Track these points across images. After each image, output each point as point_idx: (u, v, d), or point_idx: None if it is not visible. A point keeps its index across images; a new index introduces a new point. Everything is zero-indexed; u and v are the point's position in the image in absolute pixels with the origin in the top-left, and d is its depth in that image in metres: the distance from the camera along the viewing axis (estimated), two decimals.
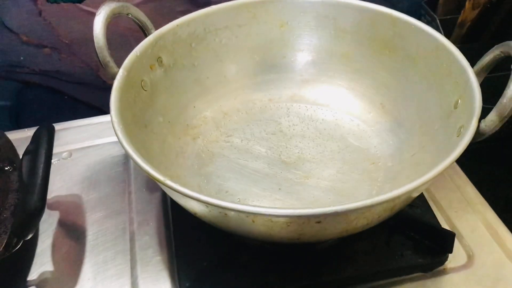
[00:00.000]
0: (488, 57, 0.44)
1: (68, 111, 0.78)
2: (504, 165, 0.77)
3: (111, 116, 0.43)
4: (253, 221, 0.37)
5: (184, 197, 0.37)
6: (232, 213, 0.37)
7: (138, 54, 0.50)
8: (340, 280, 0.46)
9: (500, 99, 0.39)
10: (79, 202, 0.55)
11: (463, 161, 0.58)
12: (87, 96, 0.78)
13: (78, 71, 0.75)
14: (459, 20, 0.77)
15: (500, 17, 0.77)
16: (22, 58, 0.72)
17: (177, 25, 0.54)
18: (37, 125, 0.51)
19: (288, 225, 0.37)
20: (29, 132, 0.62)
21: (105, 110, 0.78)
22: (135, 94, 0.49)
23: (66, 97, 0.78)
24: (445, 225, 0.50)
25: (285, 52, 0.60)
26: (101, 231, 0.52)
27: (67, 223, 0.53)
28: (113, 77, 0.47)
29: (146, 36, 0.53)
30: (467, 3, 0.75)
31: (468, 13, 0.76)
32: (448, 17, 0.79)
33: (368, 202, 0.35)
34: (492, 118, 0.40)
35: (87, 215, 0.53)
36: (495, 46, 0.43)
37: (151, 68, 0.52)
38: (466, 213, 0.52)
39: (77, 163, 0.60)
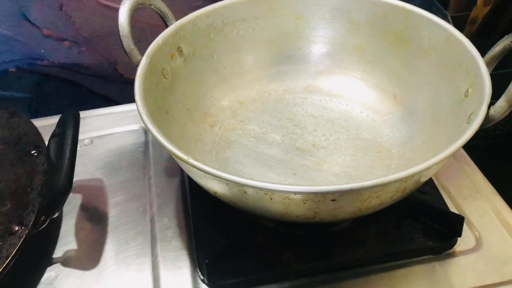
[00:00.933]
0: (498, 47, 0.46)
1: (85, 104, 0.77)
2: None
3: (136, 101, 0.45)
4: (271, 199, 0.39)
5: (206, 175, 0.39)
6: (251, 190, 0.39)
7: (160, 43, 0.52)
8: (352, 261, 0.48)
9: (510, 85, 0.41)
10: (101, 186, 0.57)
11: (475, 156, 0.59)
12: (104, 89, 0.80)
13: (96, 65, 0.77)
14: (471, 16, 0.78)
15: (511, 14, 0.78)
16: (42, 51, 0.74)
17: (197, 16, 0.56)
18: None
19: (305, 203, 0.39)
20: (51, 120, 0.64)
21: (120, 103, 0.80)
22: (157, 81, 0.51)
23: (84, 89, 0.80)
24: (454, 211, 0.52)
25: (300, 44, 0.62)
26: (122, 213, 0.54)
27: (90, 205, 0.55)
28: (136, 65, 0.49)
29: (167, 26, 0.55)
30: (478, 0, 0.76)
31: (480, 10, 0.77)
32: (460, 14, 0.80)
33: (380, 180, 0.37)
34: (501, 104, 0.42)
35: (109, 198, 0.55)
36: (505, 36, 0.45)
37: (171, 57, 0.54)
38: (475, 199, 0.53)
39: (98, 149, 0.62)
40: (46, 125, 0.62)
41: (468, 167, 0.57)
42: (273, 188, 0.37)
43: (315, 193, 0.37)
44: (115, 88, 0.81)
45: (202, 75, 0.58)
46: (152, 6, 0.54)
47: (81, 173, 0.58)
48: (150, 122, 0.42)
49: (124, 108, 0.68)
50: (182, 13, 0.56)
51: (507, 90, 0.41)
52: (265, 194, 0.38)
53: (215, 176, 0.38)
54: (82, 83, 0.79)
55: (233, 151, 0.55)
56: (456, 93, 0.49)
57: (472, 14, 0.78)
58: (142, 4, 0.52)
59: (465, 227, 0.49)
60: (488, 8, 0.76)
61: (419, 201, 0.50)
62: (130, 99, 0.47)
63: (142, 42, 0.52)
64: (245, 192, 0.39)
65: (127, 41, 0.50)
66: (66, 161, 0.47)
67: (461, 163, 0.58)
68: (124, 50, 0.51)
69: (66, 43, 0.74)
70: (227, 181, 0.38)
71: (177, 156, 0.40)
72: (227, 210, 0.46)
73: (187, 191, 0.55)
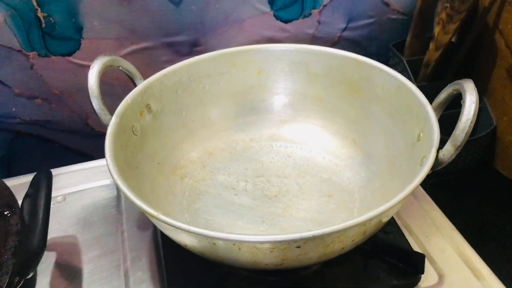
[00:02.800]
0: (443, 95, 0.49)
1: (58, 159, 0.79)
2: (475, 195, 0.81)
3: (106, 159, 0.47)
4: (239, 249, 0.41)
5: (176, 229, 0.41)
6: (220, 242, 0.40)
7: (129, 102, 0.54)
8: None
9: (454, 131, 0.44)
10: (75, 242, 0.57)
11: (439, 192, 0.62)
12: (76, 143, 0.81)
13: (67, 120, 0.77)
14: (424, 60, 0.82)
15: (461, 56, 0.83)
16: (14, 109, 0.74)
17: (163, 75, 0.58)
18: (29, 173, 0.53)
19: (272, 251, 0.41)
20: (24, 179, 0.64)
21: (94, 156, 0.80)
22: (127, 138, 0.52)
23: (56, 145, 0.80)
24: (416, 248, 0.54)
25: (264, 95, 0.65)
26: (97, 269, 0.54)
27: (64, 262, 0.55)
28: (106, 124, 0.51)
29: (135, 85, 0.57)
30: (431, 44, 0.80)
31: (432, 54, 0.81)
32: (414, 58, 0.84)
33: (341, 226, 0.39)
34: (448, 148, 0.45)
35: (83, 255, 0.56)
36: (448, 84, 0.48)
37: (140, 114, 0.56)
38: (435, 236, 0.56)
39: (71, 206, 0.62)
40: (18, 184, 0.62)
41: (428, 205, 0.60)
42: (241, 239, 0.39)
43: (280, 242, 0.39)
44: (87, 142, 0.81)
45: (171, 129, 0.60)
46: (120, 68, 0.56)
47: (54, 231, 0.59)
48: (120, 180, 0.44)
49: (96, 163, 0.69)
50: (151, 68, 0.57)
51: (452, 135, 0.44)
52: (234, 245, 0.40)
53: (184, 230, 0.40)
54: (54, 139, 0.79)
55: (203, 202, 0.57)
56: (409, 137, 0.52)
57: (426, 58, 0.82)
58: (110, 66, 0.54)
59: (427, 264, 0.52)
60: (440, 52, 0.80)
61: (383, 241, 0.52)
62: (102, 152, 0.48)
63: (112, 96, 0.53)
64: (214, 244, 0.41)
65: (97, 102, 0.52)
66: (40, 221, 0.48)
67: (420, 201, 0.60)
68: (95, 111, 0.52)
69: (38, 100, 0.74)
70: (196, 235, 0.40)
71: (147, 212, 0.41)
72: (201, 260, 0.47)
73: (159, 243, 0.56)
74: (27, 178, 0.53)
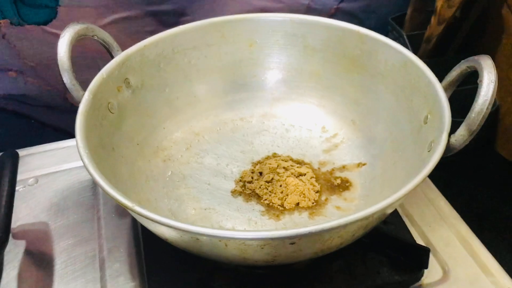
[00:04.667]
0: (455, 72, 0.45)
1: (35, 136, 0.76)
2: (475, 178, 0.78)
3: (76, 141, 0.42)
4: (226, 245, 0.36)
5: (154, 223, 0.36)
6: (204, 238, 0.36)
7: (105, 76, 0.49)
8: None
9: (469, 113, 0.40)
10: (46, 230, 0.53)
11: (435, 175, 0.58)
12: (54, 119, 0.77)
13: (44, 95, 0.74)
14: (426, 35, 0.78)
15: (465, 31, 0.79)
16: None
17: (144, 46, 0.54)
18: (2, 151, 0.50)
19: (262, 248, 0.36)
20: None
21: (73, 134, 0.77)
22: (102, 117, 0.48)
23: (32, 121, 0.76)
24: (419, 241, 0.51)
25: (255, 71, 0.60)
26: (70, 260, 0.50)
27: (34, 252, 0.51)
28: (78, 101, 0.46)
29: (112, 57, 0.52)
30: (432, 18, 0.76)
31: (434, 29, 0.77)
32: (415, 32, 0.80)
33: (341, 221, 0.35)
34: (462, 133, 0.41)
35: (55, 243, 0.52)
36: (462, 61, 0.44)
37: (118, 90, 0.51)
38: (440, 227, 0.52)
39: (43, 189, 0.58)
40: None
41: (431, 192, 0.56)
42: (227, 235, 0.35)
43: (273, 239, 0.35)
44: (65, 118, 0.77)
45: (152, 107, 0.55)
46: (96, 37, 0.51)
47: (24, 217, 0.54)
48: (91, 166, 0.40)
49: (72, 143, 0.64)
50: (134, 40, 0.53)
51: (466, 118, 0.40)
52: (219, 241, 0.36)
53: (163, 224, 0.35)
54: (31, 114, 0.76)
55: (188, 187, 0.53)
56: (415, 119, 0.48)
57: (427, 32, 0.78)
58: (84, 35, 0.49)
59: (431, 257, 0.48)
60: (442, 26, 0.76)
61: (383, 233, 0.48)
62: None
63: (93, 71, 0.49)
64: (198, 239, 0.36)
65: (68, 76, 0.47)
66: (2, 210, 0.43)
67: (423, 189, 0.57)
68: (65, 86, 0.47)
69: (11, 73, 0.71)
70: (177, 229, 0.35)
71: (122, 204, 0.37)
72: (183, 253, 0.43)
73: (139, 232, 0.52)
74: None
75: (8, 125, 0.75)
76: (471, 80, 0.43)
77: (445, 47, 0.80)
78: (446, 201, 0.55)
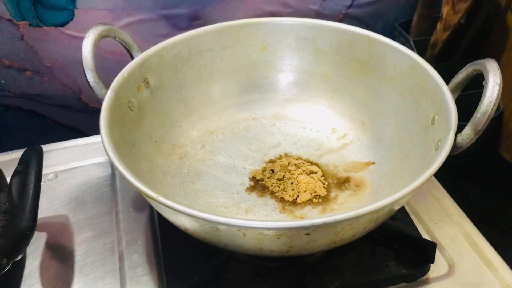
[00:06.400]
0: (461, 75, 0.46)
1: (49, 134, 0.76)
2: (480, 181, 0.79)
3: (101, 136, 0.44)
4: (244, 235, 0.38)
5: (176, 213, 0.38)
6: (224, 227, 0.38)
7: (126, 76, 0.51)
8: None
9: (475, 113, 0.42)
10: (67, 223, 0.55)
11: (441, 177, 0.60)
12: (68, 118, 0.78)
13: (59, 94, 0.75)
14: (431, 41, 0.79)
15: (470, 37, 0.81)
16: (3, 81, 0.72)
17: (162, 47, 0.55)
18: (18, 148, 0.51)
19: (279, 238, 0.38)
20: (13, 155, 0.62)
21: (86, 133, 0.78)
22: (123, 114, 0.50)
23: (47, 120, 0.77)
24: (426, 236, 0.52)
25: (268, 73, 0.62)
26: (90, 251, 0.52)
27: (55, 244, 0.53)
28: (101, 98, 0.48)
29: (132, 58, 0.54)
30: (438, 24, 0.78)
31: (440, 35, 0.78)
32: (421, 38, 0.81)
33: (353, 213, 0.36)
34: (468, 132, 0.42)
35: (75, 236, 0.53)
36: (468, 64, 0.46)
37: (138, 89, 0.53)
38: (445, 224, 0.54)
39: (63, 184, 0.60)
40: (8, 160, 0.60)
41: (437, 191, 0.58)
42: (246, 225, 0.36)
43: (289, 229, 0.37)
44: (80, 118, 0.79)
45: (169, 106, 0.57)
46: (117, 38, 0.53)
47: (45, 210, 0.56)
48: (116, 159, 0.41)
49: (89, 140, 0.66)
50: (148, 42, 0.55)
51: (472, 118, 0.42)
52: (238, 230, 0.38)
53: (185, 214, 0.37)
54: (45, 113, 0.77)
55: (203, 183, 0.54)
56: (423, 120, 0.49)
57: (433, 38, 0.79)
58: (106, 36, 0.51)
59: (437, 253, 0.49)
60: (448, 32, 0.77)
61: (392, 228, 0.50)
62: (96, 129, 0.46)
63: (106, 70, 0.51)
64: (217, 229, 0.38)
65: (92, 75, 0.49)
66: (30, 201, 0.45)
67: (429, 187, 0.58)
68: (89, 84, 0.49)
69: (28, 73, 0.72)
70: (199, 219, 0.37)
71: (146, 194, 0.39)
72: (199, 245, 0.45)
73: (156, 226, 0.53)
74: (17, 154, 0.50)
75: (23, 124, 0.76)
76: (476, 84, 0.45)
77: (451, 52, 0.81)
78: (452, 200, 0.57)
